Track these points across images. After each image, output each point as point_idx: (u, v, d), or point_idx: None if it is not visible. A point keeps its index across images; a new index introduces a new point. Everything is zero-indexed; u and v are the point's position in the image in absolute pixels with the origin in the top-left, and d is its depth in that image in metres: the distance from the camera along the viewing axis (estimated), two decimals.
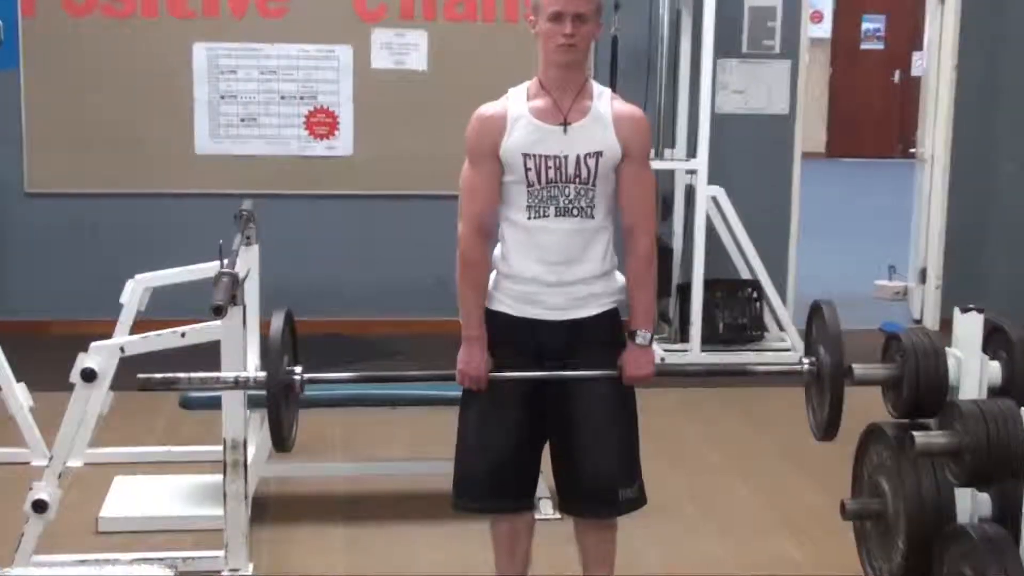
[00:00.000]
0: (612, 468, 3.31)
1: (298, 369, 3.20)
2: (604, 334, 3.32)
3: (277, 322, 3.19)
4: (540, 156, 3.16)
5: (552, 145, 3.16)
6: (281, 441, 3.20)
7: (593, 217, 3.21)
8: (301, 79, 6.60)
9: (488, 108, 3.24)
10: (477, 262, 3.27)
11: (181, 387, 3.37)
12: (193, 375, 3.41)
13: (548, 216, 3.20)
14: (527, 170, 3.17)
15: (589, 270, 3.26)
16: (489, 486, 3.33)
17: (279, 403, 3.14)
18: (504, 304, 3.28)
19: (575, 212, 3.20)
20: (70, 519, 4.08)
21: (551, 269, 3.23)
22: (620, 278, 3.34)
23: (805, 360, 3.15)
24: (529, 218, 3.22)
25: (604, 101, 3.24)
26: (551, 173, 3.17)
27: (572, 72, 3.20)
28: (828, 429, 3.00)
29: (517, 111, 3.19)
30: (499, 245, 3.32)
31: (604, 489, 3.30)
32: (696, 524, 4.52)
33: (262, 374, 3.19)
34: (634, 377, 3.25)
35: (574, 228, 3.23)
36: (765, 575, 4.13)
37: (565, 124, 3.17)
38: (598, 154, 3.18)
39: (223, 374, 3.68)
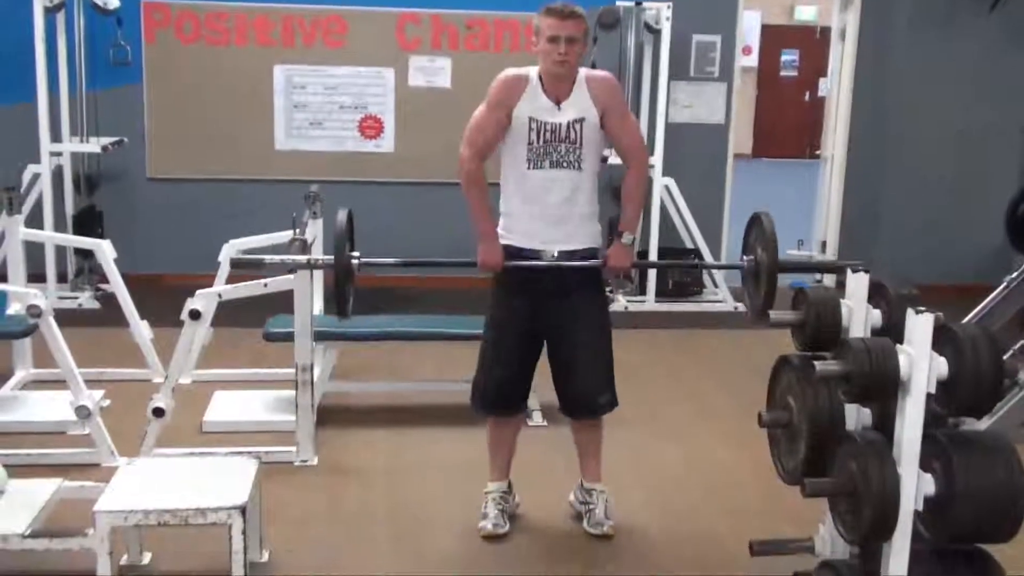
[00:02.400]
0: (596, 383, 3.73)
1: (356, 254, 3.45)
2: (587, 268, 3.62)
3: (341, 217, 3.37)
4: (541, 121, 3.50)
5: (549, 116, 3.50)
6: (343, 309, 3.41)
7: (580, 169, 3.52)
8: (355, 93, 7.47)
9: (514, 70, 3.54)
10: (478, 177, 3.54)
11: (265, 267, 3.69)
12: (275, 257, 3.72)
13: (544, 168, 3.51)
14: (530, 131, 3.49)
15: (574, 211, 3.56)
16: (498, 397, 3.77)
17: (344, 278, 3.36)
18: (511, 239, 3.61)
19: (565, 165, 3.51)
20: (181, 422, 4.49)
21: (545, 209, 3.54)
22: (598, 225, 3.65)
23: (745, 258, 3.35)
24: (529, 168, 3.52)
25: (580, 77, 3.53)
26: (548, 134, 3.48)
27: (564, 80, 3.52)
28: (762, 312, 3.23)
29: (534, 81, 3.52)
30: (503, 197, 3.59)
31: (590, 397, 3.74)
32: (651, 432, 4.91)
33: (330, 257, 3.38)
34: (615, 267, 3.61)
35: (564, 177, 3.52)
36: (701, 469, 4.55)
37: (558, 103, 3.52)
38: (581, 120, 3.48)
39: (299, 257, 3.98)
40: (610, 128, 3.52)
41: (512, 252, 3.57)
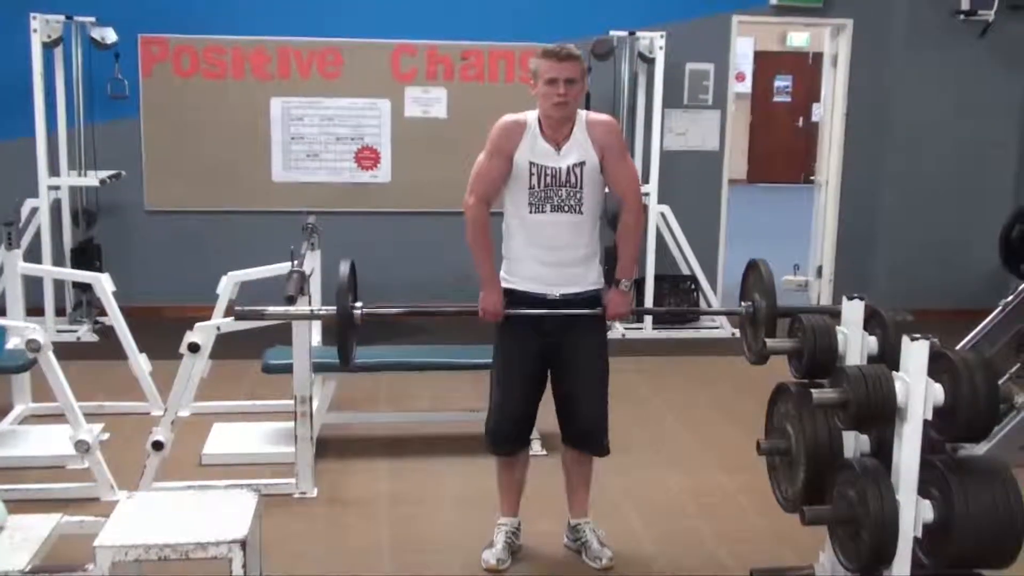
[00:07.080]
0: (599, 419, 3.74)
1: (358, 304, 3.39)
2: (589, 312, 3.61)
3: (344, 268, 3.36)
4: (541, 166, 3.49)
5: (550, 160, 3.49)
6: (345, 357, 3.36)
7: (581, 213, 3.52)
8: (352, 124, 7.51)
9: (512, 117, 3.52)
10: (483, 222, 3.53)
11: (267, 317, 3.52)
12: (277, 308, 3.65)
13: (545, 212, 3.53)
14: (531, 175, 3.49)
15: (576, 254, 3.56)
16: (508, 436, 3.78)
17: (346, 328, 3.32)
18: (513, 283, 3.61)
19: (566, 208, 3.51)
20: (180, 455, 4.50)
21: (548, 252, 3.54)
22: (599, 266, 3.66)
23: (743, 303, 3.37)
24: (531, 213, 3.53)
25: (580, 120, 3.52)
26: (548, 179, 3.49)
27: (564, 124, 3.50)
28: (761, 355, 3.23)
29: (532, 126, 3.50)
30: (506, 241, 3.60)
31: (595, 432, 3.76)
32: (649, 459, 4.94)
33: (333, 308, 3.34)
34: (615, 314, 3.60)
35: (565, 220, 3.53)
36: (702, 497, 4.54)
37: (558, 147, 3.51)
38: (582, 164, 3.49)
39: (302, 308, 4.03)
40: (608, 168, 3.52)
41: (516, 297, 3.58)
